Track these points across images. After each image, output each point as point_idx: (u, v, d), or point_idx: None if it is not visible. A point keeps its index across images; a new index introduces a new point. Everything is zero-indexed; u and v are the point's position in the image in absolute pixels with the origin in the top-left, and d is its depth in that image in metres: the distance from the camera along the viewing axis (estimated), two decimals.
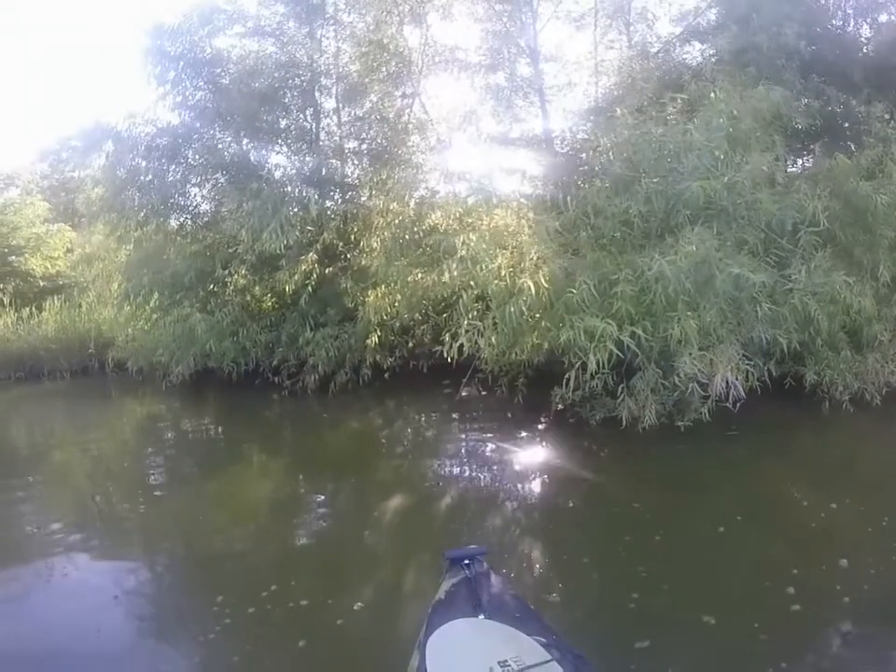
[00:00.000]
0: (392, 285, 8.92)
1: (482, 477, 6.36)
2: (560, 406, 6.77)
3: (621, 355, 5.65)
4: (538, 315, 6.38)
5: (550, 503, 5.57)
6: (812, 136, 9.30)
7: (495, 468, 6.52)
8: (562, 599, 3.71)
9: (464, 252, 6.39)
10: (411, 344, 9.91)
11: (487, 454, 7.07)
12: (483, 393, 8.57)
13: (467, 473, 6.54)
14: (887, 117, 8.54)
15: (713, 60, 9.73)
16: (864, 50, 9.73)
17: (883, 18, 10.25)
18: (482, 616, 2.57)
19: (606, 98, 10.93)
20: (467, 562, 2.85)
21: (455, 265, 6.42)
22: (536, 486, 6.05)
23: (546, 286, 5.89)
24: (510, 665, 2.23)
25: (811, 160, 9.53)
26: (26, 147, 37.75)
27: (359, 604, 3.73)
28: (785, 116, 7.78)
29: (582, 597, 3.75)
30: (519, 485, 6.04)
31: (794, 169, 9.88)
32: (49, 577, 4.42)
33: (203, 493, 6.30)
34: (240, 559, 4.59)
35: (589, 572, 3.99)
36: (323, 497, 6.18)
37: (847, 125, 9.42)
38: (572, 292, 5.84)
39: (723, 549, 4.15)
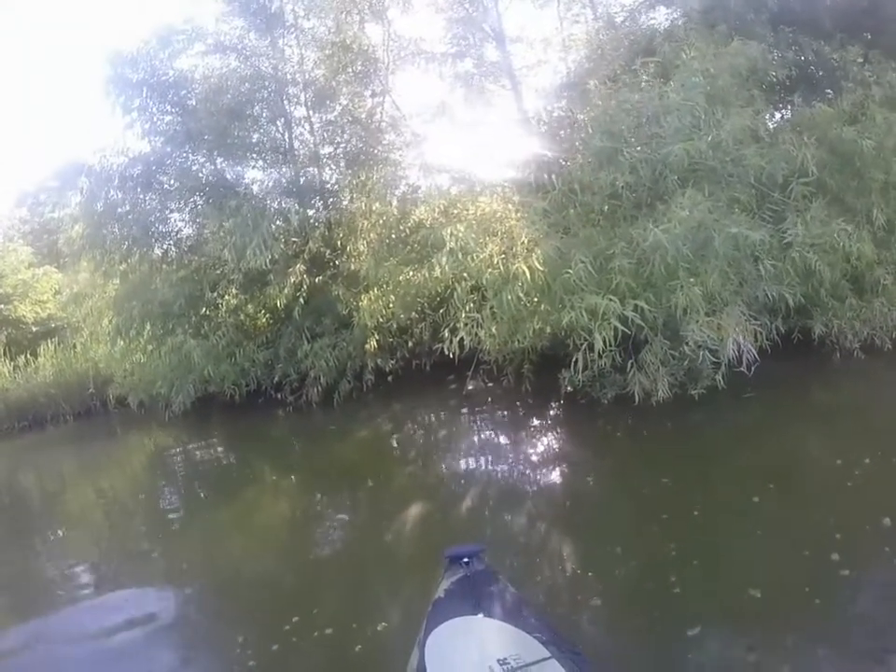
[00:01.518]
0: (384, 286, 8.75)
1: (500, 471, 6.21)
2: (569, 389, 6.66)
3: (626, 330, 5.50)
4: (536, 300, 6.23)
5: (573, 491, 5.41)
6: (789, 88, 9.17)
7: (512, 460, 6.41)
8: (603, 599, 3.53)
9: (453, 244, 6.23)
10: (410, 344, 9.73)
11: (502, 446, 6.95)
12: (490, 384, 8.45)
13: (484, 469, 6.36)
14: (860, 60, 8.46)
15: (682, 22, 9.58)
16: None
17: None
18: (481, 614, 2.57)
19: (577, 72, 10.79)
20: (466, 560, 2.88)
21: (444, 258, 6.24)
22: (556, 475, 5.91)
23: (541, 268, 5.73)
24: (509, 663, 2.23)
25: (791, 111, 9.39)
26: (1, 194, 37.48)
27: (384, 624, 3.59)
28: (761, 70, 7.67)
29: (624, 590, 3.58)
30: (539, 476, 5.90)
31: (774, 122, 9.75)
32: (66, 623, 4.34)
33: (218, 520, 6.20)
34: (260, 588, 4.43)
35: (626, 560, 3.83)
36: (339, 513, 6.03)
37: (823, 73, 9.30)
38: (569, 272, 5.68)
39: (761, 520, 4.00)
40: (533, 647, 2.35)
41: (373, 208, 10.14)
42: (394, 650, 3.29)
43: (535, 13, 12.42)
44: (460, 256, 6.18)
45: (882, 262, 6.97)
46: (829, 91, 8.77)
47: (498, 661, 2.24)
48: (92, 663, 3.80)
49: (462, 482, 6.01)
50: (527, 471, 6.01)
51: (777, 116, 9.98)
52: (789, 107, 9.63)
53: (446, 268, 6.24)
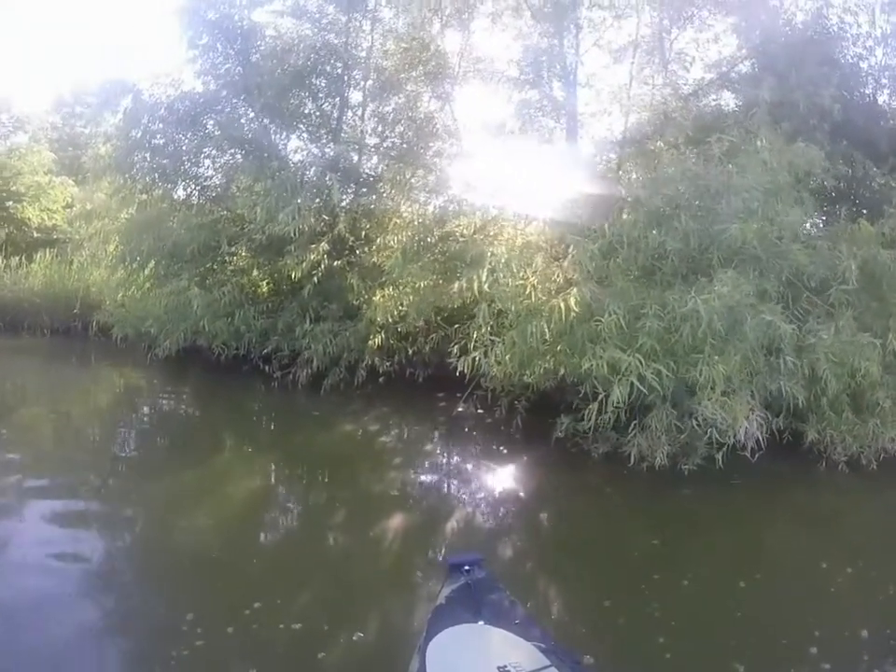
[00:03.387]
0: (402, 287, 8.62)
1: (486, 503, 6.03)
2: (561, 434, 6.54)
3: (645, 391, 5.41)
4: (557, 339, 6.13)
5: (559, 538, 5.26)
6: (833, 199, 9.33)
7: (498, 495, 6.24)
8: (597, 658, 3.33)
9: (492, 264, 6.13)
10: (410, 351, 9.58)
11: (489, 479, 6.76)
12: (481, 411, 8.29)
13: (467, 498, 6.16)
14: None
15: (753, 109, 9.72)
16: (893, 122, 9.83)
17: None
18: (481, 622, 2.57)
19: (637, 131, 10.83)
20: (467, 568, 2.87)
21: (485, 276, 6.14)
22: (545, 519, 5.72)
23: (576, 309, 5.64)
24: (509, 671, 2.24)
25: (827, 220, 9.50)
26: (42, 92, 37.02)
27: (359, 634, 3.38)
28: (813, 175, 7.74)
29: (617, 649, 3.46)
30: (526, 518, 5.72)
31: (815, 228, 9.88)
32: None
33: (176, 481, 5.85)
34: (217, 564, 4.16)
35: (615, 616, 3.75)
36: (314, 504, 5.76)
37: (867, 193, 9.51)
38: (600, 321, 5.59)
39: (745, 603, 3.95)
40: (533, 655, 2.36)
41: (411, 208, 10.01)
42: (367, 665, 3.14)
43: (608, 64, 12.53)
44: (501, 278, 6.08)
45: (884, 385, 7.00)
46: (866, 210, 8.91)
47: (499, 668, 2.24)
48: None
49: (441, 507, 5.81)
50: (515, 510, 5.83)
51: (817, 222, 10.18)
52: (826, 217, 9.81)
53: (486, 286, 6.13)
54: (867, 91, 10.33)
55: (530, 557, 4.85)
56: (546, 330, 5.77)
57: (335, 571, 4.17)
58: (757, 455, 5.74)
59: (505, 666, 2.25)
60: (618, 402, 5.41)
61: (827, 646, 3.44)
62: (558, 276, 6.64)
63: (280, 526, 5.14)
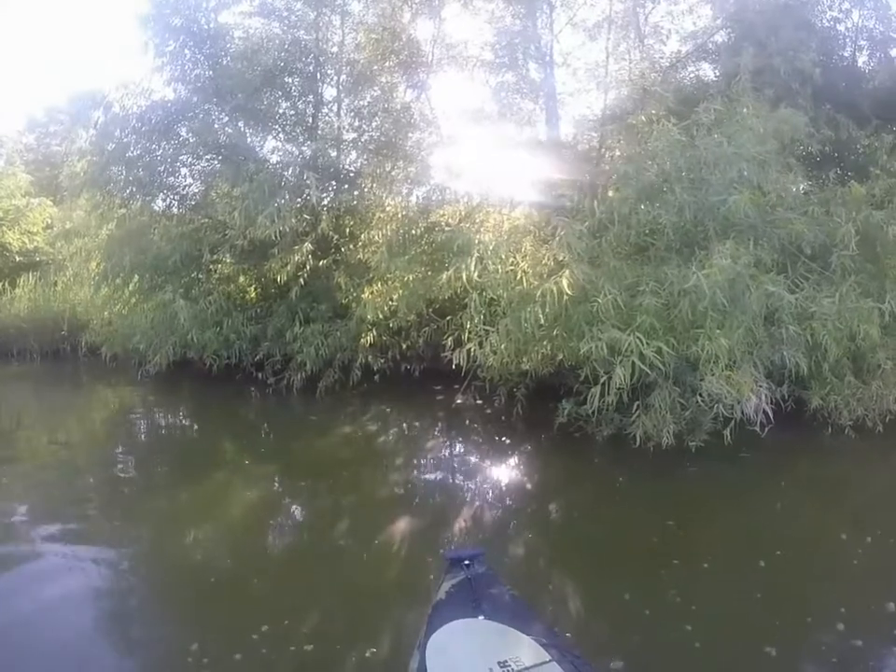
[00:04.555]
0: (391, 282, 8.44)
1: (494, 496, 5.87)
2: (563, 420, 6.41)
3: (648, 371, 5.25)
4: (552, 324, 5.96)
5: (571, 526, 5.07)
6: (819, 163, 9.24)
7: (505, 487, 6.09)
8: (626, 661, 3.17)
9: (480, 252, 5.95)
10: (404, 346, 9.41)
11: (495, 471, 6.63)
12: (480, 402, 8.17)
13: (475, 493, 5.96)
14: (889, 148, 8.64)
15: (734, 78, 9.61)
16: (873, 83, 9.76)
17: (893, 52, 10.33)
18: (481, 617, 2.56)
19: (618, 107, 10.70)
20: (467, 562, 2.85)
21: (473, 265, 5.95)
22: (554, 508, 5.51)
23: (569, 292, 5.46)
24: (509, 666, 2.23)
25: (816, 185, 9.41)
26: (14, 113, 36.52)
27: (372, 650, 3.21)
28: (798, 140, 7.70)
29: (646, 648, 3.28)
30: (534, 507, 5.57)
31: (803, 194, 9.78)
32: None
33: (175, 498, 5.63)
34: (220, 584, 3.94)
35: (637, 609, 3.58)
36: (318, 515, 5.49)
37: (852, 155, 9.50)
38: (596, 301, 5.43)
39: (767, 583, 3.84)
40: (534, 650, 2.35)
41: (393, 201, 9.82)
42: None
43: (583, 42, 12.41)
44: (490, 265, 5.91)
45: (885, 346, 6.91)
46: (852, 172, 8.87)
47: (499, 663, 2.23)
48: None
49: (449, 501, 5.66)
50: (524, 501, 5.68)
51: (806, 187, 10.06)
52: (814, 182, 9.71)
53: (475, 275, 5.94)
54: (846, 54, 10.34)
55: (543, 552, 4.68)
56: (541, 315, 5.60)
57: (344, 584, 3.97)
58: (767, 429, 5.62)
59: (506, 661, 2.24)
60: (621, 383, 5.26)
61: (854, 621, 3.37)
62: (547, 259, 6.48)
63: (284, 541, 4.93)
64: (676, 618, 3.43)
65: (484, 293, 6.15)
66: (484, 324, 6.24)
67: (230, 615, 3.57)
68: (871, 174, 7.87)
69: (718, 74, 10.58)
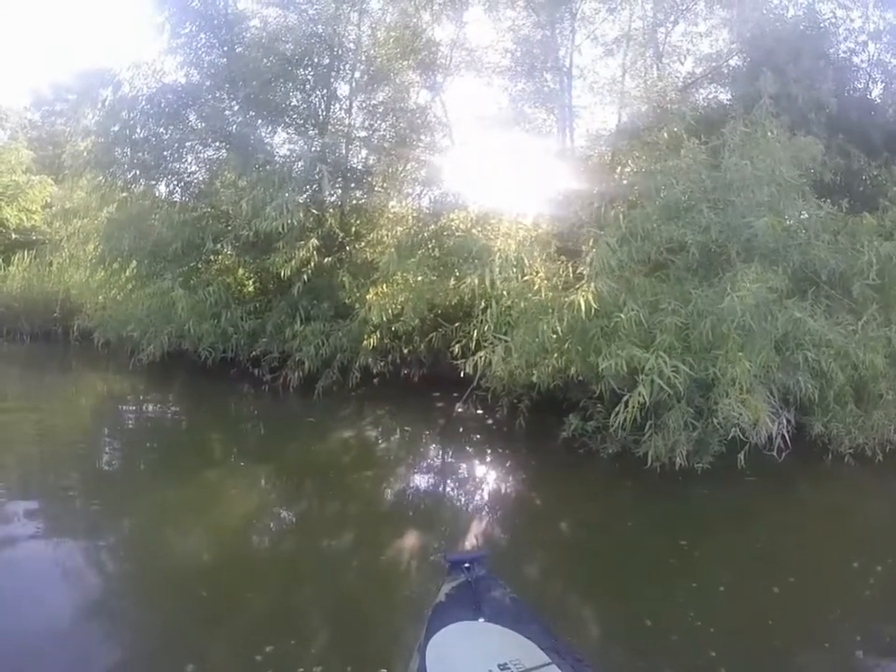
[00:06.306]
0: (397, 284, 8.23)
1: (500, 512, 5.67)
2: (567, 435, 6.29)
3: (669, 390, 5.08)
4: (565, 337, 5.79)
5: (582, 546, 4.89)
6: (830, 192, 9.22)
7: (511, 503, 5.90)
8: None
9: (500, 259, 5.78)
10: (405, 350, 9.19)
11: (499, 484, 6.42)
12: (481, 412, 7.93)
13: (478, 508, 5.76)
14: None
15: (751, 102, 9.58)
16: (885, 115, 9.83)
17: None
18: (482, 619, 2.55)
19: (633, 123, 10.63)
20: (467, 565, 2.84)
21: (497, 271, 5.77)
22: (564, 527, 5.31)
23: (595, 305, 5.29)
24: (510, 669, 2.22)
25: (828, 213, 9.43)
26: (20, 88, 36.06)
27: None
28: (813, 168, 7.68)
29: None
30: (544, 525, 5.27)
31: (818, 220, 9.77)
32: None
33: (162, 499, 5.23)
34: (217, 598, 3.64)
35: (662, 635, 3.44)
36: (318, 523, 5.19)
37: (861, 186, 9.49)
38: (619, 317, 5.27)
39: (783, 610, 3.73)
40: (534, 652, 2.34)
41: (403, 202, 9.64)
42: None
43: (601, 57, 12.40)
44: (512, 272, 5.73)
45: (887, 376, 6.84)
46: (859, 203, 8.80)
47: (499, 666, 2.23)
48: None
49: (450, 518, 5.42)
50: (530, 516, 5.49)
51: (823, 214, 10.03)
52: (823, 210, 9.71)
53: (498, 282, 5.77)
54: (859, 85, 10.48)
55: (556, 574, 4.48)
56: (558, 327, 5.42)
57: (349, 598, 3.75)
58: (784, 455, 5.55)
59: (506, 664, 2.23)
60: (641, 402, 5.11)
61: (872, 649, 3.38)
62: (563, 270, 6.33)
63: (282, 552, 4.60)
64: (700, 641, 3.35)
65: (500, 302, 5.97)
66: (495, 333, 6.08)
67: (230, 635, 3.30)
68: (879, 204, 7.86)
69: (731, 97, 10.58)
